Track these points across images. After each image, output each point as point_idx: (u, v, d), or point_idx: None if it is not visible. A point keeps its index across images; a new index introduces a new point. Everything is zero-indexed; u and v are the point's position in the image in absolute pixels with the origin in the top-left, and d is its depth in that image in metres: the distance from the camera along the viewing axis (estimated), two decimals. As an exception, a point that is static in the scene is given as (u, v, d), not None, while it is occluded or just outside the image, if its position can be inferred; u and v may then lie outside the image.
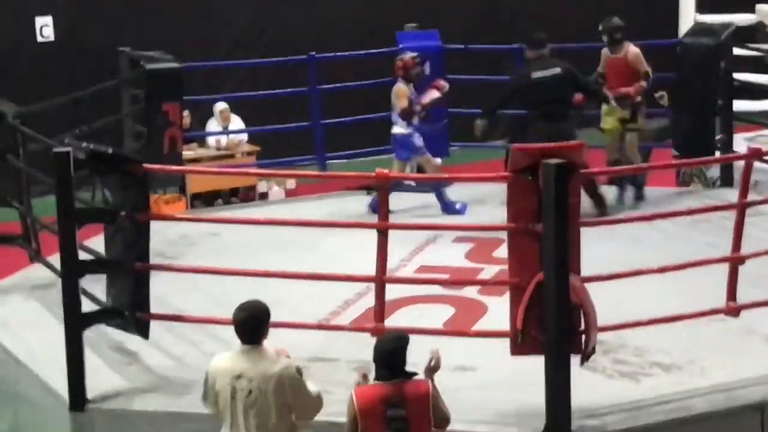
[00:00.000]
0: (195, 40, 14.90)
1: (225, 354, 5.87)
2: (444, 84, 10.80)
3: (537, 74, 10.26)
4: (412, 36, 12.14)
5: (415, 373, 5.82)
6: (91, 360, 7.30)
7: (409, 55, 10.73)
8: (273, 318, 5.88)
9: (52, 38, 15.02)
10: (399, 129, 10.69)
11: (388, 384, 5.72)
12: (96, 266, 7.40)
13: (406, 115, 10.59)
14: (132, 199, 7.11)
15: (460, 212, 10.61)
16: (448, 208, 10.63)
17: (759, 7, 13.33)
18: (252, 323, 5.78)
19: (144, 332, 7.36)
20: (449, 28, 12.55)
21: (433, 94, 10.72)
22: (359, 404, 5.71)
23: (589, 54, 12.66)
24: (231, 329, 6.76)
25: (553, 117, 10.11)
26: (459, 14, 16.09)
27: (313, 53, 11.87)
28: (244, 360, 5.74)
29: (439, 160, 12.12)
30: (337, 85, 12.21)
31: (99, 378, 7.35)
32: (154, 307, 7.37)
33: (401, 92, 10.66)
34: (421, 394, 5.74)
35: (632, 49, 10.76)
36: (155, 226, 7.43)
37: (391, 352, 5.77)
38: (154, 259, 7.48)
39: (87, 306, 7.32)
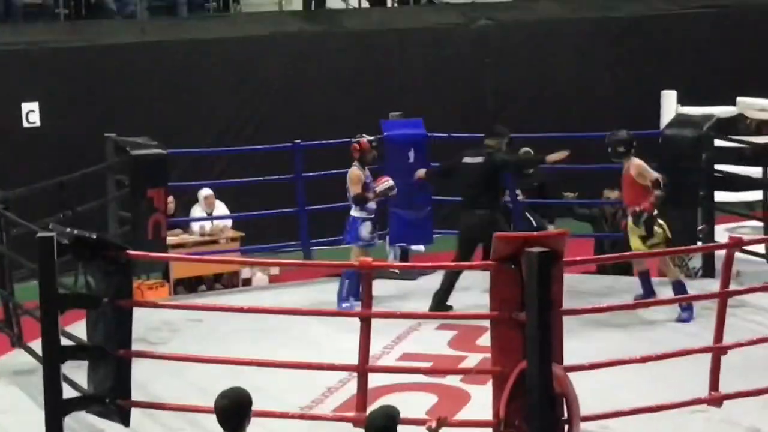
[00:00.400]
0: (180, 127, 14.96)
1: None
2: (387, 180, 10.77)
3: (466, 159, 10.51)
4: (396, 124, 12.24)
5: None
6: (71, 447, 7.24)
7: (365, 139, 10.76)
8: (256, 405, 5.84)
9: (38, 124, 15.07)
10: (354, 212, 10.71)
11: None
12: (78, 352, 7.37)
13: (359, 201, 10.62)
14: (115, 285, 7.10)
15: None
16: (342, 299, 10.53)
17: (740, 99, 13.46)
18: (234, 411, 5.74)
19: (125, 420, 7.30)
20: (434, 117, 12.64)
21: (387, 183, 10.72)
22: None
23: (572, 142, 12.80)
24: (212, 417, 6.72)
25: (473, 204, 10.33)
26: (444, 103, 16.21)
27: (298, 141, 11.94)
28: None
29: (422, 248, 12.17)
30: (322, 172, 12.28)
31: (79, 465, 7.29)
32: (136, 394, 7.33)
33: (355, 177, 10.68)
34: None
35: (635, 162, 10.23)
36: (138, 312, 7.42)
37: (381, 429, 5.78)
38: (136, 345, 7.45)
39: (68, 392, 7.27)
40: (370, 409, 7.08)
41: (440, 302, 10.24)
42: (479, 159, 10.44)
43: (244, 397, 5.77)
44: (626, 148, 10.24)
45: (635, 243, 10.21)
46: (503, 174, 10.79)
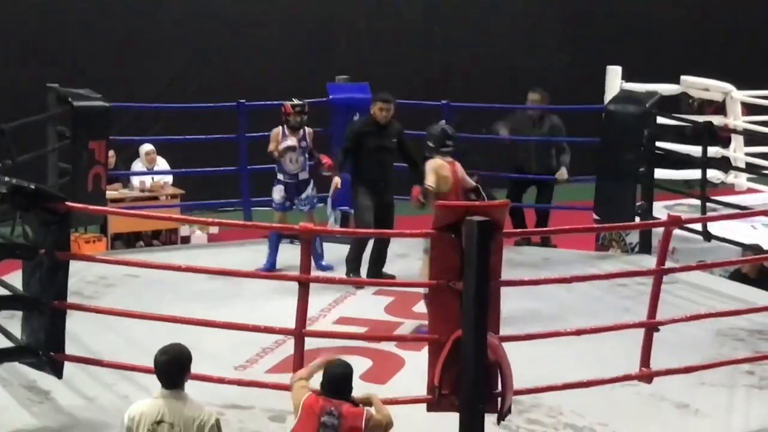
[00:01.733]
0: (124, 80, 14.85)
1: (144, 400, 5.80)
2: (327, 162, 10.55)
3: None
4: (342, 88, 12.21)
5: (357, 403, 5.98)
6: (2, 398, 7.21)
7: (291, 102, 10.70)
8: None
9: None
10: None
11: (329, 398, 5.93)
12: (12, 302, 7.32)
13: (273, 158, 10.63)
14: (52, 236, 7.04)
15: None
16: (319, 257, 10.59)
17: (684, 78, 13.56)
18: (174, 367, 5.74)
19: (58, 372, 7.28)
20: (380, 83, 12.62)
21: (287, 142, 10.64)
22: (306, 400, 5.92)
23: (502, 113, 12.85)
24: (145, 374, 6.72)
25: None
26: (392, 69, 16.19)
27: (243, 101, 11.89)
28: (165, 404, 5.69)
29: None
30: (266, 133, 12.21)
31: (8, 416, 7.26)
32: (69, 347, 7.30)
33: (272, 135, 10.66)
34: (356, 414, 5.91)
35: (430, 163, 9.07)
36: (74, 266, 7.38)
37: (339, 375, 5.99)
38: (71, 298, 7.41)
39: (2, 342, 7.22)
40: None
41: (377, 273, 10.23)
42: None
43: (185, 354, 5.78)
44: (434, 144, 9.07)
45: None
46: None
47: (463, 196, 8.98)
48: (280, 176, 10.63)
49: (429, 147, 9.10)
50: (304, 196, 10.59)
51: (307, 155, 10.63)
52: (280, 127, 10.65)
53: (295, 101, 10.61)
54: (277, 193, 10.62)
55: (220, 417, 5.85)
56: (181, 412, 5.67)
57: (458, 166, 9.11)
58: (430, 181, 8.88)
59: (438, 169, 8.93)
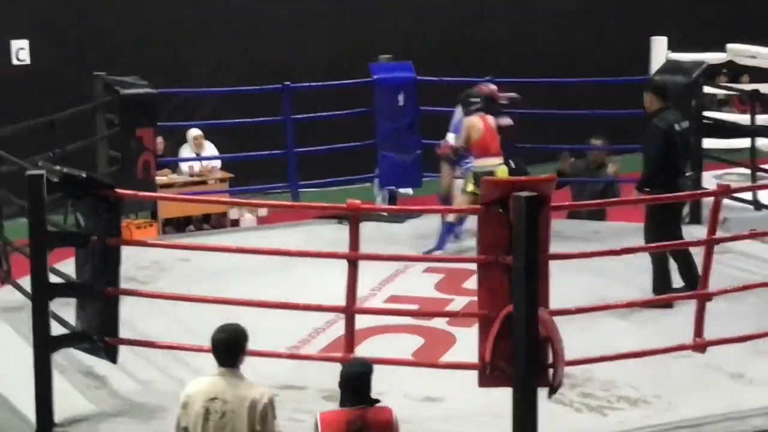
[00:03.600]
0: (171, 67, 14.93)
1: (200, 378, 5.88)
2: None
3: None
4: (385, 67, 12.21)
5: (378, 400, 5.85)
6: (59, 383, 7.28)
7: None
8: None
9: (27, 61, 15.02)
10: None
11: (352, 409, 5.76)
12: (66, 290, 7.40)
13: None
14: (104, 223, 7.11)
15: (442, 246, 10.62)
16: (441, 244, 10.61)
17: (730, 46, 13.44)
18: (231, 345, 5.81)
19: (112, 357, 7.35)
20: (421, 60, 12.62)
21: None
22: (323, 428, 5.74)
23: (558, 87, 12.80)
24: (199, 356, 6.79)
25: None
26: (433, 47, 16.18)
27: (288, 83, 11.91)
28: (220, 382, 5.76)
29: (411, 191, 12.20)
30: (312, 114, 12.26)
31: (67, 401, 7.33)
32: (123, 332, 7.37)
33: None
34: (383, 421, 5.77)
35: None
36: (126, 252, 7.44)
37: (357, 378, 5.83)
38: (124, 284, 7.48)
39: (57, 329, 7.31)
40: (356, 350, 7.15)
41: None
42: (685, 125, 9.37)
43: (241, 333, 5.85)
44: (464, 107, 10.41)
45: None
46: None
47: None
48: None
49: (463, 112, 10.35)
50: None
51: None
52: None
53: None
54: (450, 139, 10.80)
55: (275, 397, 5.89)
56: (236, 390, 5.73)
57: (489, 117, 10.33)
58: (460, 141, 10.41)
59: (470, 127, 10.25)
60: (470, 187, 10.23)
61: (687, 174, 10.94)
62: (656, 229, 9.06)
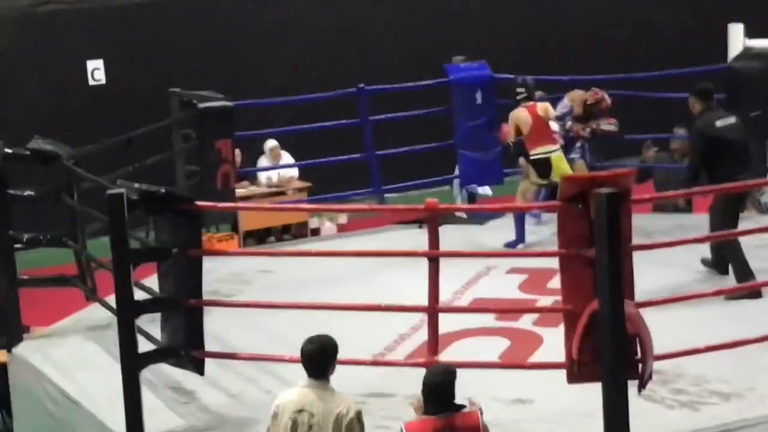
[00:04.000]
0: (243, 79, 15.01)
1: (289, 390, 5.88)
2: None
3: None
4: (461, 68, 12.15)
5: (464, 406, 5.80)
6: (148, 400, 7.31)
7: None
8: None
9: (103, 81, 15.20)
10: None
11: (438, 417, 5.69)
12: (151, 305, 7.43)
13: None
14: (185, 236, 7.15)
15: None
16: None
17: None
18: (320, 357, 5.80)
19: (199, 369, 7.38)
20: (496, 59, 12.56)
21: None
22: (408, 428, 5.69)
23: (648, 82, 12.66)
24: (287, 366, 6.79)
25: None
26: (506, 45, 16.11)
27: (362, 85, 11.89)
28: (309, 394, 5.76)
29: (490, 192, 12.15)
30: (389, 115, 12.21)
31: (157, 418, 7.36)
32: (209, 345, 7.40)
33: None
34: (471, 427, 5.71)
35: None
36: (208, 264, 7.47)
37: (440, 385, 5.76)
38: (207, 297, 7.50)
39: (143, 345, 7.35)
40: (442, 354, 7.10)
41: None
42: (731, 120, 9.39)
43: (331, 344, 5.83)
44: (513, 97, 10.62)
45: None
46: None
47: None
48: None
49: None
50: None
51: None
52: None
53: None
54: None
55: (362, 405, 5.87)
56: (323, 403, 5.71)
57: (539, 105, 10.53)
58: (511, 137, 10.60)
59: (516, 119, 10.43)
60: (533, 177, 10.45)
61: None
62: (724, 219, 9.08)
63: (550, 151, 10.37)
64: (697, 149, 9.30)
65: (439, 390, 5.74)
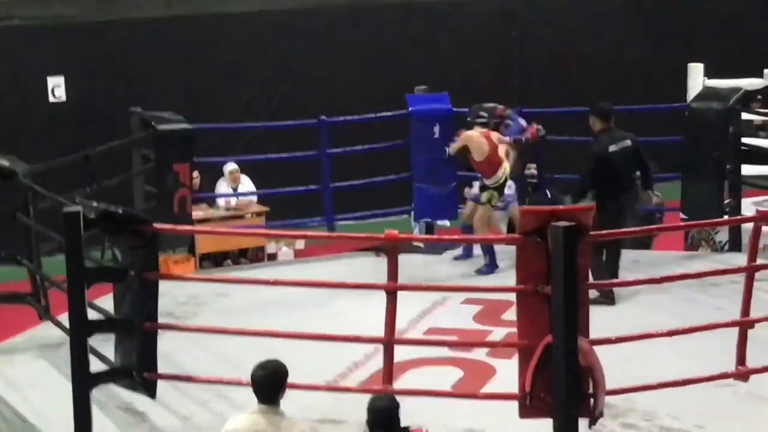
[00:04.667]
0: (205, 102, 14.99)
1: (239, 416, 5.84)
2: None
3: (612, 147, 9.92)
4: (421, 98, 12.20)
5: (408, 428, 5.82)
6: (99, 420, 7.26)
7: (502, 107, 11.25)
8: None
9: (64, 98, 15.14)
10: None
11: None
12: (105, 325, 7.40)
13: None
14: (141, 258, 7.12)
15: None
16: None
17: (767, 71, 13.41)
18: (271, 382, 5.78)
19: (151, 392, 7.34)
20: (459, 92, 12.62)
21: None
22: None
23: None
24: (239, 390, 6.76)
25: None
26: (470, 77, 16.18)
27: (323, 117, 11.92)
28: (260, 420, 5.73)
29: (447, 223, 12.17)
30: (347, 148, 12.26)
31: (106, 438, 7.33)
32: (162, 367, 7.36)
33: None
34: None
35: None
36: (164, 287, 7.44)
37: (386, 410, 5.83)
38: (162, 319, 7.47)
39: (96, 365, 7.30)
40: (396, 383, 7.11)
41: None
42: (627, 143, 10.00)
43: (282, 369, 5.81)
44: (470, 117, 10.90)
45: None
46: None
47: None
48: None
49: (467, 122, 10.82)
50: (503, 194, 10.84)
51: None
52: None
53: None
54: (476, 187, 10.93)
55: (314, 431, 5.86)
56: (276, 428, 5.69)
57: (493, 134, 10.72)
58: (452, 149, 10.90)
59: (468, 140, 10.65)
60: (493, 200, 10.68)
61: (726, 201, 10.92)
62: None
63: (505, 174, 10.62)
64: (588, 168, 9.90)
65: (384, 416, 5.80)
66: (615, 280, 9.50)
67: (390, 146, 12.16)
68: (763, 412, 7.60)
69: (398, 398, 6.12)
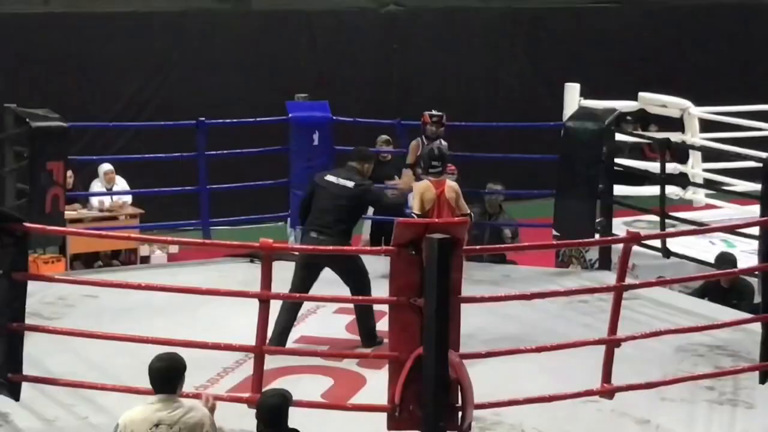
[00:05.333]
0: (82, 101, 14.79)
1: (136, 407, 5.81)
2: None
3: (330, 177, 9.27)
4: (302, 106, 12.20)
5: (297, 430, 5.81)
6: (-41, 421, 7.13)
7: (429, 113, 10.97)
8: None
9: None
10: None
11: None
12: (-31, 325, 7.25)
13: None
14: (10, 257, 6.99)
15: None
16: None
17: (642, 94, 13.64)
18: (170, 373, 5.80)
19: (15, 394, 7.20)
20: (339, 101, 12.64)
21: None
22: None
23: (475, 132, 12.86)
24: (104, 394, 6.68)
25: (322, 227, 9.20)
26: (350, 87, 16.22)
27: (202, 119, 11.85)
28: (161, 408, 5.73)
29: None
30: (225, 151, 12.20)
31: (-34, 439, 7.18)
32: (27, 368, 7.23)
33: (411, 147, 11.06)
34: None
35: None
36: (32, 287, 7.32)
37: (275, 407, 5.87)
38: (29, 319, 7.35)
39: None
40: (265, 390, 7.07)
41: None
42: (346, 182, 9.16)
43: (180, 361, 5.87)
44: (423, 165, 9.95)
45: None
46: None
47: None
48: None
49: (420, 169, 9.89)
50: None
51: None
52: (419, 139, 10.85)
53: (434, 112, 10.76)
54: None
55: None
56: (180, 414, 5.72)
57: (449, 187, 9.76)
58: (415, 208, 9.72)
59: (423, 191, 9.70)
60: None
61: (597, 220, 11.11)
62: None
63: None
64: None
65: (273, 412, 5.84)
66: (486, 295, 9.56)
67: (268, 150, 12.12)
68: (626, 429, 7.73)
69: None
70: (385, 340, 7.77)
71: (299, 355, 8.20)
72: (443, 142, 10.73)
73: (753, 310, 9.22)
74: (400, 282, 6.66)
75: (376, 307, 8.95)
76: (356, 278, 8.97)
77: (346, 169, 9.28)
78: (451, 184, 9.87)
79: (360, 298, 8.78)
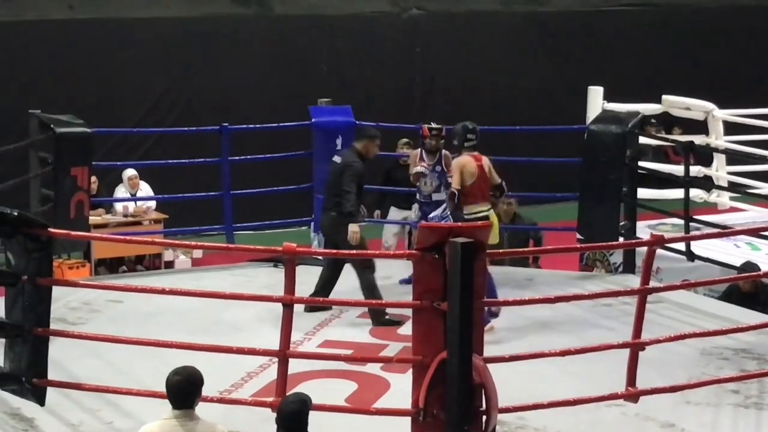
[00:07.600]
0: (106, 106, 14.84)
1: (153, 422, 5.78)
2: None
3: (335, 157, 10.11)
4: (324, 111, 12.22)
5: None
6: (-15, 426, 7.16)
7: (428, 126, 10.73)
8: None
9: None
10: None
11: None
12: (-5, 329, 7.28)
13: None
14: (35, 262, 7.02)
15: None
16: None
17: (665, 97, 13.60)
18: (187, 388, 5.75)
19: (40, 398, 7.23)
20: (362, 105, 12.66)
21: (418, 168, 10.59)
22: None
23: (498, 135, 12.85)
24: (129, 398, 6.69)
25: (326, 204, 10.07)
26: (373, 91, 16.23)
27: (226, 124, 11.87)
28: (177, 424, 5.69)
29: None
30: (249, 156, 12.22)
31: (-8, 444, 7.21)
32: (52, 373, 7.26)
33: (411, 158, 10.93)
34: None
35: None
36: (57, 292, 7.35)
37: (295, 413, 5.83)
38: (54, 324, 7.38)
39: (-16, 370, 7.19)
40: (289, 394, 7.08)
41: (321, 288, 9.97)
42: (337, 159, 10.01)
43: (197, 375, 5.81)
44: (458, 141, 9.94)
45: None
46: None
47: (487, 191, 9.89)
48: (417, 196, 10.70)
49: (455, 146, 9.94)
50: (431, 215, 10.37)
51: (446, 177, 10.40)
52: (419, 150, 10.78)
53: (433, 125, 10.69)
54: (413, 212, 10.80)
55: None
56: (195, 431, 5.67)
57: (485, 159, 9.92)
58: (455, 183, 9.78)
59: (463, 166, 9.77)
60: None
61: (621, 223, 11.08)
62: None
63: (487, 210, 9.87)
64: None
65: (293, 418, 5.79)
66: (510, 299, 9.57)
67: (291, 155, 12.14)
68: (651, 432, 7.71)
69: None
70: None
71: (323, 360, 8.20)
72: (445, 152, 10.62)
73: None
74: (424, 286, 6.65)
75: (399, 311, 8.94)
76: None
77: (349, 149, 10.09)
78: (485, 159, 9.95)
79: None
